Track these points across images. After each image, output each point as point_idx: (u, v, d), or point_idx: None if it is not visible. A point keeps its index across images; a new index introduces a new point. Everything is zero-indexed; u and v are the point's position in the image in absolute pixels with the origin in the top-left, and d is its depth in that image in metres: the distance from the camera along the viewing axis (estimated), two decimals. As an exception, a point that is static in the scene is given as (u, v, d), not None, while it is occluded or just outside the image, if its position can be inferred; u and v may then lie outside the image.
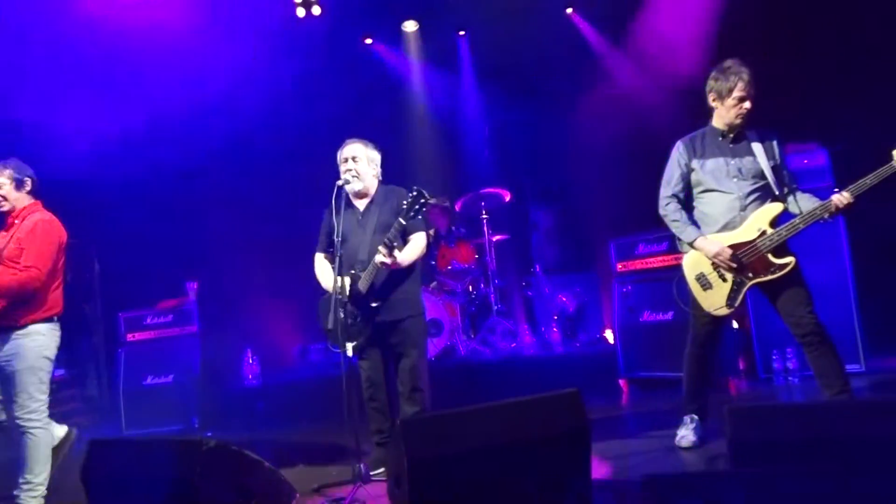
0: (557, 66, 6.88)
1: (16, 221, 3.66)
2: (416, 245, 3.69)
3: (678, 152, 3.56)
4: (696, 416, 3.50)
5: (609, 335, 6.11)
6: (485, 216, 6.45)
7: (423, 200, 3.36)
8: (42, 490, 3.57)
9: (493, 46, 7.09)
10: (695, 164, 3.49)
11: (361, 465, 3.25)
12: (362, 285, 3.54)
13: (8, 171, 3.66)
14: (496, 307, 6.28)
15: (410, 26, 7.73)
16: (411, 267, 3.71)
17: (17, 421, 3.49)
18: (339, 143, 3.87)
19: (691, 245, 3.44)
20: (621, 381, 5.31)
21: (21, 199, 3.69)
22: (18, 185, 3.67)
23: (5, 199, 3.65)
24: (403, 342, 3.67)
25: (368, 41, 7.68)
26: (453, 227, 6.61)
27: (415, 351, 3.68)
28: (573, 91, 6.67)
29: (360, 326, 3.56)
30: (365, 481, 3.23)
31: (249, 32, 6.81)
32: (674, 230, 3.52)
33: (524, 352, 6.02)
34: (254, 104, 7.30)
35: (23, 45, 6.13)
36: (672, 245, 5.08)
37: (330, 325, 3.35)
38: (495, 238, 6.53)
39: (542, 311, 6.49)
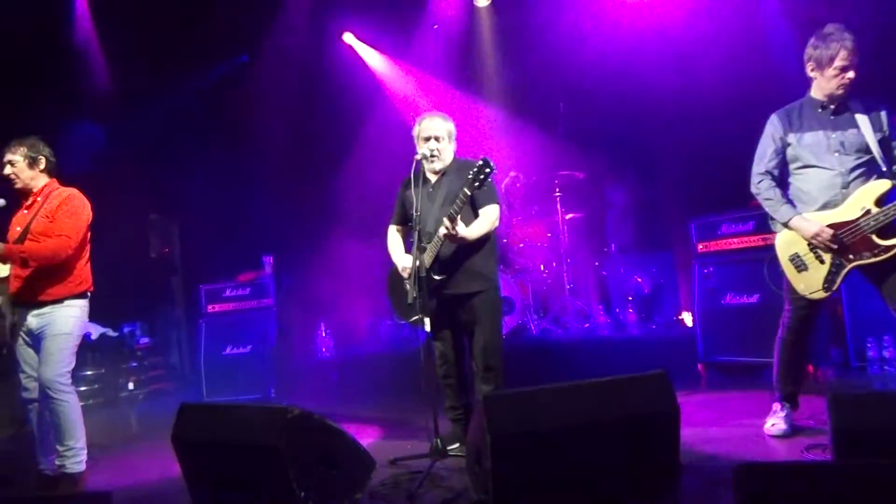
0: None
1: (38, 199, 3.68)
2: (485, 219, 3.57)
3: (772, 126, 3.36)
4: (787, 404, 3.33)
5: (687, 317, 5.91)
6: (558, 194, 6.31)
7: (487, 170, 3.27)
8: (83, 454, 3.60)
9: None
10: (791, 137, 3.28)
11: (439, 440, 3.26)
12: (427, 257, 3.47)
13: (22, 150, 3.66)
14: (569, 286, 6.17)
15: (483, 2, 7.59)
16: (482, 240, 3.61)
17: (48, 391, 3.50)
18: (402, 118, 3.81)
19: (786, 225, 3.25)
20: (700, 366, 5.13)
21: (36, 178, 3.68)
22: (32, 162, 3.66)
23: (18, 176, 3.65)
24: (475, 318, 3.60)
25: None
26: (526, 205, 6.52)
27: (488, 328, 3.59)
28: (643, 62, 6.41)
29: (425, 300, 3.44)
30: (442, 456, 3.24)
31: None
32: (767, 209, 3.33)
33: (598, 332, 5.89)
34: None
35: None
36: (759, 225, 4.85)
37: (409, 300, 3.34)
38: (568, 216, 6.40)
39: (616, 291, 6.33)
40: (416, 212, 3.43)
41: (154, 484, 3.65)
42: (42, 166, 3.69)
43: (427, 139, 3.64)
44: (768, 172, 3.33)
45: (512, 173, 6.57)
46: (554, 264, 6.46)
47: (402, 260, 3.69)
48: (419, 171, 3.57)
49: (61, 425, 3.52)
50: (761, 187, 3.33)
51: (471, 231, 3.47)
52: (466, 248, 3.55)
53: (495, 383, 3.61)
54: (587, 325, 6.03)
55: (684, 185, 6.42)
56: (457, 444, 3.56)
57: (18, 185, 3.68)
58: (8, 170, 3.64)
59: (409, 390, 5.30)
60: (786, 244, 3.29)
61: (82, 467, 3.58)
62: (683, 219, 5.62)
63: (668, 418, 2.55)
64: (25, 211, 3.71)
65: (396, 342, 6.70)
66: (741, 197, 4.60)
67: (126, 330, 7.19)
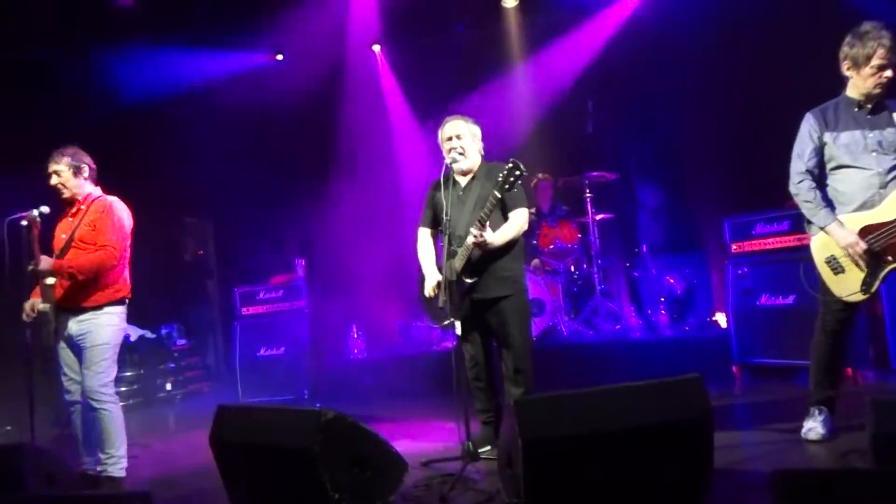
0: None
1: (82, 207, 3.74)
2: (514, 222, 3.59)
3: (808, 124, 3.30)
4: (824, 408, 3.27)
5: (720, 319, 5.84)
6: (588, 194, 6.28)
7: (518, 173, 3.28)
8: (124, 461, 3.69)
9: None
10: (827, 137, 3.22)
11: (470, 443, 3.27)
12: (458, 262, 3.49)
13: (66, 159, 3.71)
14: (600, 287, 6.13)
15: (510, 2, 7.60)
16: (512, 243, 3.63)
17: (91, 400, 3.58)
18: (436, 120, 3.85)
19: (823, 230, 3.19)
20: (734, 368, 5.06)
21: (81, 186, 3.74)
22: (76, 171, 3.72)
23: (65, 185, 3.71)
24: (504, 322, 3.61)
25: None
26: (556, 206, 6.50)
27: (516, 331, 3.61)
28: (674, 59, 6.34)
29: (458, 304, 3.48)
30: (474, 459, 3.25)
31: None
32: (805, 211, 3.27)
33: (630, 334, 5.84)
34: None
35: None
36: (794, 225, 4.77)
37: (440, 304, 3.36)
38: (599, 217, 6.37)
39: (647, 292, 6.28)
40: (447, 215, 3.45)
41: (192, 483, 3.74)
42: (86, 174, 3.77)
43: (449, 139, 3.69)
44: (809, 172, 3.26)
45: (540, 175, 6.56)
46: (584, 265, 6.43)
47: (431, 269, 3.73)
48: (448, 174, 3.59)
49: (103, 433, 3.61)
50: (801, 188, 3.26)
51: (498, 237, 3.49)
52: (495, 252, 3.57)
53: (525, 386, 3.62)
54: (619, 326, 5.99)
55: (717, 184, 6.34)
56: (488, 447, 3.58)
57: (66, 195, 3.75)
58: (54, 180, 3.71)
59: (440, 392, 5.33)
60: (822, 246, 3.24)
61: (123, 473, 3.68)
62: (716, 219, 5.55)
63: (703, 423, 2.52)
64: (70, 218, 3.78)
65: (427, 344, 6.73)
66: (776, 196, 4.56)
67: (164, 331, 7.36)
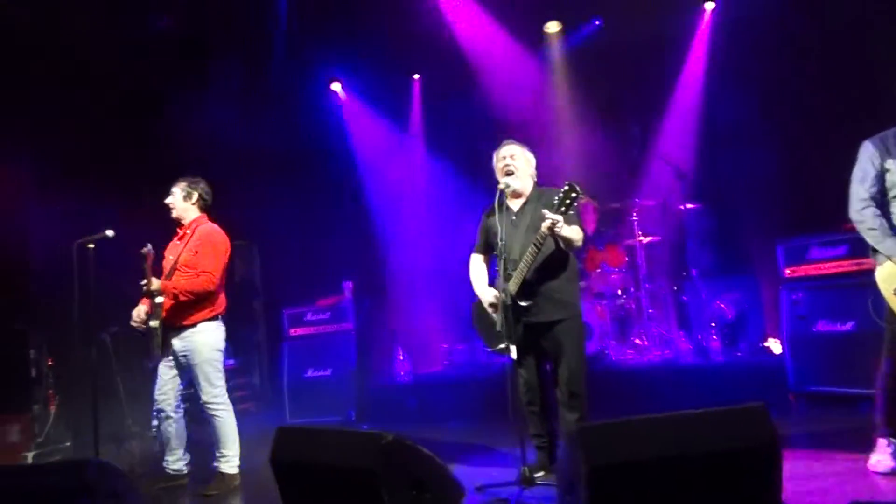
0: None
1: (187, 232, 4.15)
2: (576, 230, 3.55)
3: (867, 151, 3.25)
4: (893, 440, 3.17)
5: (774, 345, 5.70)
6: (635, 217, 6.25)
7: (574, 195, 3.31)
8: (237, 461, 4.09)
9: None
10: (889, 164, 3.17)
11: (526, 468, 3.26)
12: (513, 285, 3.51)
13: (182, 184, 4.18)
14: (648, 312, 6.07)
15: (553, 27, 7.67)
16: (565, 266, 3.63)
17: (204, 406, 4.05)
18: (490, 146, 3.92)
19: (891, 259, 3.12)
20: (791, 396, 4.93)
21: (188, 211, 4.18)
22: (186, 196, 4.17)
23: (173, 206, 4.18)
24: (559, 346, 3.60)
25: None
26: (602, 229, 6.47)
27: (572, 355, 3.60)
28: (723, 78, 6.30)
29: (513, 328, 3.48)
30: (530, 484, 3.24)
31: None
32: (869, 239, 3.20)
33: (680, 360, 5.75)
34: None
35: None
36: (853, 249, 4.64)
37: (497, 328, 3.37)
38: (646, 240, 6.32)
39: (697, 317, 6.17)
40: (501, 240, 3.48)
41: (252, 501, 3.79)
42: (194, 200, 4.19)
43: (503, 157, 3.75)
44: (872, 199, 3.20)
45: (583, 199, 6.53)
46: (632, 289, 6.37)
47: (485, 292, 3.75)
48: (502, 200, 3.63)
49: (220, 436, 4.08)
50: (865, 215, 3.20)
51: (569, 231, 3.45)
52: (550, 276, 3.59)
53: (580, 411, 3.60)
54: (668, 351, 5.90)
55: (768, 206, 6.23)
56: (541, 472, 3.56)
57: (174, 215, 4.20)
58: (169, 199, 4.20)
59: (487, 416, 5.33)
60: (889, 276, 3.15)
61: (235, 470, 4.11)
62: (768, 242, 5.46)
63: (770, 453, 2.48)
64: (177, 241, 4.19)
65: (472, 368, 6.73)
66: (830, 219, 4.47)
67: (213, 352, 7.49)
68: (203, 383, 4.01)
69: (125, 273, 4.21)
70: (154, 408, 4.16)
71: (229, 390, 7.30)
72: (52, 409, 5.66)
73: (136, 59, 6.51)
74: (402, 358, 6.83)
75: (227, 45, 7.02)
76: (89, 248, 4.08)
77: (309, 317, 6.60)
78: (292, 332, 6.62)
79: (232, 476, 4.06)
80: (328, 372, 6.33)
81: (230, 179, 7.30)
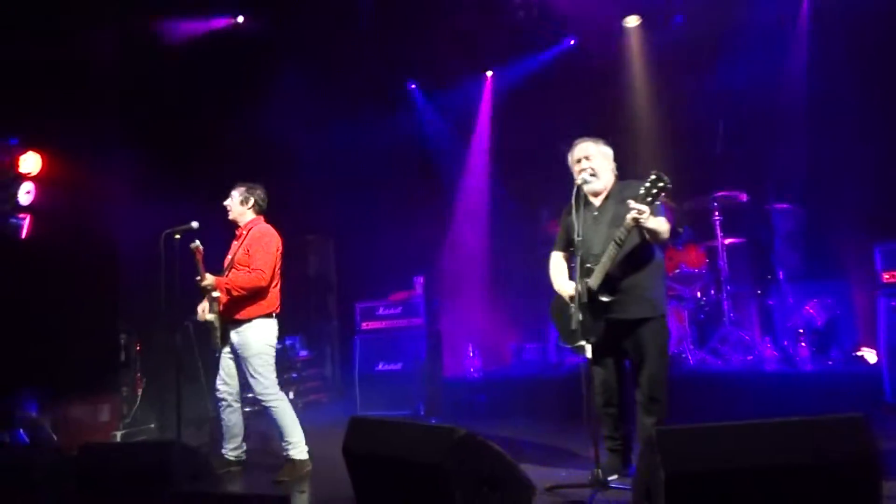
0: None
1: (244, 233, 4.37)
2: (663, 221, 3.41)
3: None
4: None
5: (868, 354, 5.34)
6: (717, 217, 5.98)
7: (661, 185, 3.17)
8: (304, 446, 4.22)
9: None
10: None
11: (600, 470, 3.17)
12: (594, 280, 3.39)
13: (241, 189, 4.40)
14: (729, 315, 5.80)
15: (632, 21, 7.46)
16: (651, 263, 3.49)
17: (262, 402, 4.21)
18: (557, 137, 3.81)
19: None
20: (887, 409, 4.60)
21: (244, 214, 4.39)
22: (244, 201, 4.38)
23: (231, 209, 4.39)
24: (641, 346, 3.47)
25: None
26: (681, 229, 6.22)
27: (654, 357, 3.45)
28: (816, 67, 5.94)
29: (591, 325, 3.38)
30: (604, 487, 3.14)
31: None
32: None
33: (764, 367, 5.46)
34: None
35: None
36: (961, 253, 4.30)
37: (573, 326, 3.29)
38: (728, 241, 6.04)
39: (783, 322, 5.85)
40: (578, 236, 3.38)
41: (325, 489, 3.85)
42: (250, 205, 4.41)
43: (579, 160, 3.63)
44: None
45: (662, 196, 6.30)
46: (712, 291, 6.11)
47: (565, 285, 3.66)
48: (579, 197, 3.53)
49: (280, 425, 4.18)
50: None
51: (656, 222, 3.32)
52: (635, 272, 3.46)
53: (658, 416, 3.46)
54: (751, 357, 5.62)
55: (864, 207, 5.85)
56: (614, 476, 3.45)
57: (230, 217, 4.43)
58: (227, 201, 4.43)
59: (557, 416, 5.23)
60: None
61: (304, 455, 4.21)
62: (864, 245, 5.13)
63: (868, 467, 2.31)
64: (235, 242, 4.44)
65: (541, 366, 6.64)
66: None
67: (288, 343, 7.71)
68: (254, 377, 4.16)
69: (208, 263, 4.36)
70: (215, 396, 4.33)
71: (302, 381, 7.66)
72: (139, 391, 5.96)
73: (215, 59, 6.77)
74: (472, 354, 6.80)
75: (302, 43, 7.16)
76: (175, 239, 4.27)
77: (381, 311, 6.68)
78: (364, 325, 6.71)
79: (302, 462, 4.18)
80: (398, 366, 6.38)
81: (306, 176, 7.51)
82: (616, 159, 3.76)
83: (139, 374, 6.05)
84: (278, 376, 7.17)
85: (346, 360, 7.28)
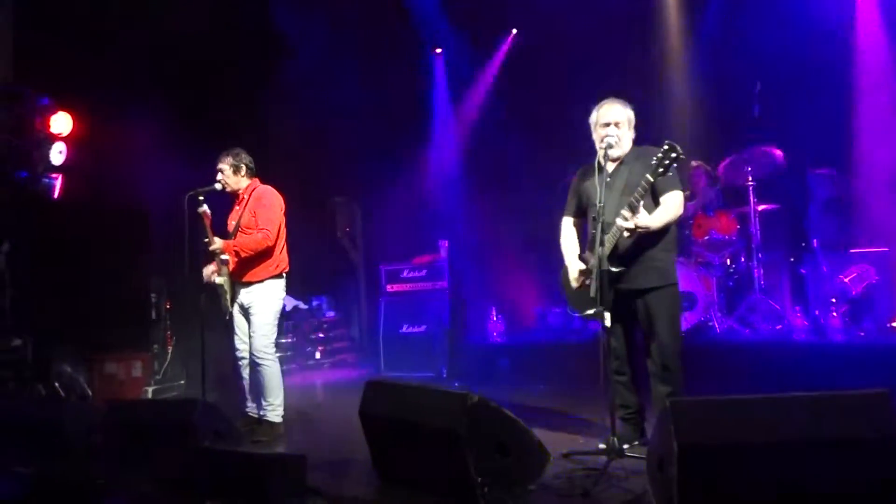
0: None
1: (244, 197, 4.41)
2: (669, 207, 3.36)
3: None
4: None
5: (904, 326, 5.19)
6: (751, 182, 5.79)
7: (674, 155, 3.07)
8: (281, 410, 4.32)
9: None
10: None
11: (615, 439, 3.15)
12: (605, 249, 3.30)
13: (228, 160, 4.38)
14: (760, 283, 5.66)
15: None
16: (663, 232, 3.41)
17: (255, 358, 4.24)
18: (587, 104, 3.67)
19: None
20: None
21: (240, 182, 4.41)
22: (236, 170, 4.38)
23: (226, 182, 4.38)
24: (652, 315, 3.43)
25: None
26: (713, 194, 6.06)
27: (665, 326, 3.41)
28: (860, 27, 5.63)
29: (606, 293, 3.27)
30: (619, 455, 3.13)
31: None
32: None
33: (794, 336, 5.35)
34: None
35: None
36: None
37: (591, 294, 3.24)
38: (761, 207, 5.86)
39: (816, 291, 5.68)
40: (600, 202, 3.30)
41: (342, 449, 3.90)
42: (243, 172, 4.42)
43: (606, 125, 3.50)
44: None
45: (694, 163, 6.13)
46: (743, 259, 5.97)
47: (573, 258, 3.63)
48: (601, 162, 3.44)
49: (265, 385, 4.26)
50: None
51: (654, 219, 3.28)
52: (646, 240, 3.39)
53: (673, 385, 3.41)
54: (780, 327, 5.50)
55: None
56: (626, 445, 3.42)
57: (228, 189, 4.43)
58: (219, 176, 4.41)
59: (578, 382, 5.21)
60: None
61: (279, 419, 4.32)
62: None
63: (890, 445, 2.25)
64: (237, 207, 4.47)
65: (565, 332, 6.61)
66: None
67: (315, 303, 7.82)
68: (256, 333, 4.23)
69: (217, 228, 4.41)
70: (234, 356, 4.43)
71: (329, 341, 7.76)
72: (170, 349, 6.12)
73: (245, 19, 6.72)
74: (495, 319, 6.81)
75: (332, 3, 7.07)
76: (200, 200, 4.29)
77: (405, 274, 6.71)
78: (389, 288, 6.76)
79: (278, 424, 4.28)
80: (422, 328, 6.43)
81: (332, 137, 7.48)
82: (648, 122, 3.65)
83: (169, 332, 6.20)
84: (306, 336, 7.46)
85: (373, 321, 7.36)
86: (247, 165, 4.44)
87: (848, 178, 6.05)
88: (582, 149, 3.74)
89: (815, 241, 5.76)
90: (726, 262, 5.96)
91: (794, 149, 6.05)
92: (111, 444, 3.66)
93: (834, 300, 5.42)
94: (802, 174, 6.03)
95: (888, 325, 5.34)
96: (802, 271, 5.88)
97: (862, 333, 5.29)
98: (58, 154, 5.51)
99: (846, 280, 5.47)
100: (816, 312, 5.56)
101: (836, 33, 5.83)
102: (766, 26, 6.17)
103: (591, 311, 3.31)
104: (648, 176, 3.15)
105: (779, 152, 5.79)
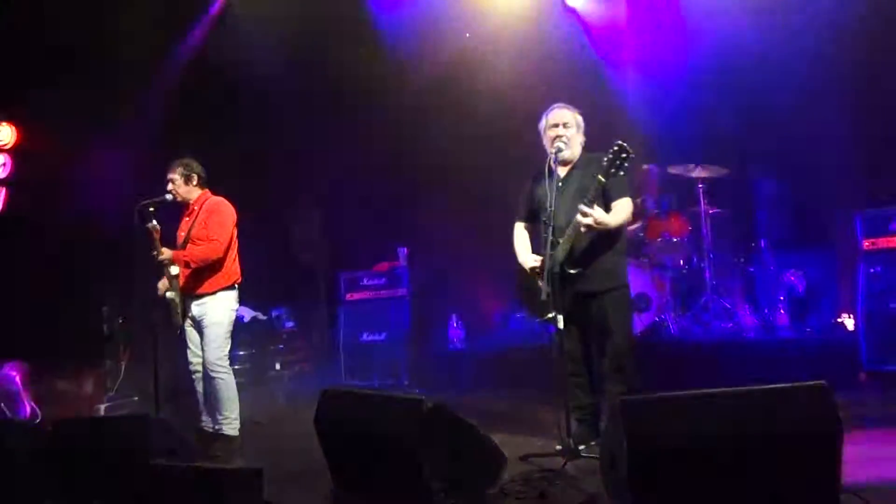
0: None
1: (195, 208, 4.32)
2: (621, 210, 3.46)
3: None
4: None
5: (847, 321, 5.37)
6: (701, 185, 5.94)
7: (624, 155, 3.14)
8: (237, 423, 4.24)
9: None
10: None
11: (571, 440, 3.19)
12: (560, 252, 3.38)
13: (179, 168, 4.29)
14: (711, 283, 5.80)
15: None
16: (614, 236, 3.51)
17: (209, 371, 4.16)
18: (540, 109, 3.74)
19: None
20: (863, 375, 4.64)
21: (191, 192, 4.32)
22: (187, 179, 4.29)
23: (176, 192, 4.28)
24: (605, 316, 3.51)
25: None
26: (663, 196, 6.19)
27: (617, 326, 3.51)
28: (819, 47, 5.85)
29: (559, 297, 3.35)
30: (575, 456, 3.17)
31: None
32: None
33: (744, 334, 5.49)
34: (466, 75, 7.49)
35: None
36: (940, 220, 4.30)
37: (543, 297, 3.28)
38: (712, 210, 6.01)
39: (765, 290, 5.85)
40: (550, 206, 3.36)
41: (301, 460, 3.86)
42: (195, 182, 4.34)
43: (555, 126, 3.58)
44: None
45: (644, 166, 6.26)
46: (695, 259, 6.10)
47: (528, 259, 3.67)
48: (552, 167, 3.50)
49: (220, 399, 4.18)
50: None
51: (611, 218, 3.36)
52: (598, 245, 3.48)
53: (627, 384, 3.49)
54: (731, 325, 5.65)
55: (846, 175, 5.80)
56: (582, 446, 3.47)
57: (179, 199, 4.34)
58: (170, 186, 4.31)
59: (538, 386, 5.24)
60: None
61: (236, 432, 4.24)
62: (845, 213, 5.12)
63: (829, 435, 2.32)
64: (187, 218, 4.38)
65: (527, 336, 6.64)
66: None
67: (274, 314, 7.71)
68: (209, 345, 4.16)
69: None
70: (188, 369, 4.35)
71: (288, 352, 7.66)
72: (123, 364, 5.97)
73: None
74: (455, 325, 6.82)
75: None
76: (150, 212, 4.21)
77: (365, 282, 6.68)
78: (348, 296, 6.72)
79: (235, 438, 4.21)
80: (383, 336, 6.40)
81: (292, 145, 7.41)
82: (596, 129, 3.72)
83: (122, 347, 6.05)
84: (264, 348, 7.34)
85: (334, 330, 7.29)
86: (198, 174, 4.35)
87: (793, 179, 6.26)
88: (535, 156, 3.80)
89: (762, 241, 5.94)
90: (679, 263, 6.08)
91: (741, 154, 6.23)
92: (61, 466, 3.54)
93: (782, 298, 5.60)
94: (748, 176, 6.21)
95: (833, 321, 5.53)
96: (751, 270, 6.05)
97: (808, 329, 5.48)
98: (0, 167, 5.35)
99: (793, 278, 5.66)
100: (766, 310, 5.73)
101: (775, 44, 6.00)
102: (713, 41, 6.32)
103: (549, 315, 3.36)
104: (600, 176, 3.22)
105: (726, 171, 5.93)
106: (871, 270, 4.69)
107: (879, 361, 4.57)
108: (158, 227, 4.15)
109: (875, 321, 4.63)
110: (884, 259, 4.65)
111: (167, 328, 4.40)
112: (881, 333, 4.59)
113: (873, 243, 4.75)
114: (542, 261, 3.42)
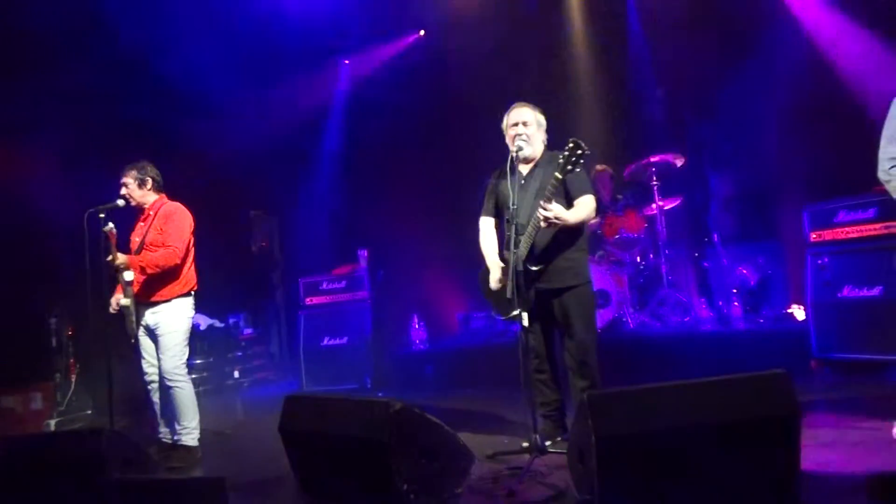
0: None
1: (150, 213, 4.22)
2: (583, 207, 3.50)
3: None
4: (920, 408, 3.06)
5: (797, 311, 5.56)
6: (655, 183, 6.08)
7: (579, 152, 3.18)
8: (197, 433, 4.15)
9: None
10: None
11: (537, 436, 3.21)
12: (522, 249, 3.40)
13: (133, 172, 4.19)
14: (667, 278, 5.93)
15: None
16: (576, 233, 3.55)
17: (165, 378, 4.05)
18: (498, 109, 3.77)
19: None
20: (813, 363, 4.81)
21: (146, 196, 4.22)
22: (141, 184, 4.19)
23: (130, 196, 4.18)
24: (568, 313, 3.54)
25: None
26: (619, 196, 6.31)
27: (580, 323, 3.54)
28: (759, 42, 6.04)
29: (523, 294, 3.35)
30: (542, 452, 3.19)
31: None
32: None
33: (700, 327, 5.64)
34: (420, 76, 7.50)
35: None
36: (881, 212, 4.47)
37: (507, 295, 3.29)
38: (667, 206, 6.15)
39: (718, 283, 6.03)
40: (513, 204, 3.37)
41: (264, 469, 3.79)
42: (149, 186, 4.23)
43: (515, 124, 3.61)
44: None
45: (599, 167, 6.36)
46: (651, 256, 6.24)
47: (495, 260, 3.69)
48: (514, 165, 3.52)
49: (178, 408, 4.06)
50: (893, 174, 3.04)
51: (571, 214, 3.39)
52: (561, 241, 3.50)
53: (591, 379, 3.53)
54: (688, 318, 5.79)
55: (794, 171, 6.02)
56: (549, 441, 3.50)
57: (133, 203, 4.23)
58: (123, 190, 4.20)
59: (501, 384, 5.28)
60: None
61: (196, 442, 4.14)
62: (794, 207, 5.29)
63: (789, 422, 2.39)
64: (142, 223, 4.25)
65: (489, 335, 6.68)
66: (859, 182, 4.30)
67: (231, 321, 7.56)
68: (165, 354, 4.05)
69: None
70: (143, 380, 4.22)
71: (247, 359, 7.52)
72: (73, 377, 5.75)
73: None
74: (417, 326, 6.80)
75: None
76: (101, 218, 4.07)
77: (325, 286, 6.58)
78: (308, 301, 6.61)
79: (195, 448, 4.12)
80: (344, 340, 6.33)
81: (246, 150, 7.27)
82: (556, 127, 3.75)
83: (73, 360, 5.83)
84: (222, 356, 7.19)
85: (292, 336, 7.19)
86: (153, 179, 4.23)
87: (744, 176, 6.45)
88: (495, 154, 3.82)
89: (715, 235, 6.10)
90: (636, 260, 6.20)
91: (694, 150, 6.39)
92: (10, 486, 3.38)
93: (735, 291, 5.75)
94: (701, 173, 6.38)
95: (784, 312, 5.71)
96: (705, 265, 6.21)
97: (761, 321, 5.65)
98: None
99: (745, 272, 5.83)
100: (720, 303, 5.89)
101: (724, 39, 6.18)
102: (665, 38, 6.47)
103: (515, 313, 3.36)
104: (557, 174, 3.24)
105: (679, 158, 6.07)
106: (819, 262, 4.85)
107: (828, 349, 4.73)
108: (115, 230, 4.01)
109: (823, 311, 4.79)
110: (830, 250, 4.81)
111: (120, 338, 4.25)
112: (829, 322, 4.73)
113: (820, 235, 4.91)
114: (507, 259, 3.42)
